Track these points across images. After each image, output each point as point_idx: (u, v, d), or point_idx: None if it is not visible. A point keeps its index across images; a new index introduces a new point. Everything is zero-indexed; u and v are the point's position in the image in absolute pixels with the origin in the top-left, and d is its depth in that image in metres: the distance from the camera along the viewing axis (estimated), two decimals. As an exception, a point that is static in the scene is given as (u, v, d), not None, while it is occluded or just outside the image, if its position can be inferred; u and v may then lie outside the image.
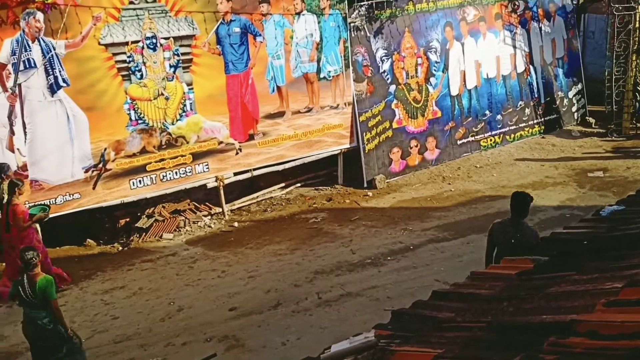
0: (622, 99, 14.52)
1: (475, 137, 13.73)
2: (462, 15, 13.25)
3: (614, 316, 2.41)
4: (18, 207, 8.24)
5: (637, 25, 14.05)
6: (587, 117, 15.58)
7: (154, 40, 9.87)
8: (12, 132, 9.00)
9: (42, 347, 6.18)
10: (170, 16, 9.93)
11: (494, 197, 11.45)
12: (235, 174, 11.02)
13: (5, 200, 8.31)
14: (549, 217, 10.42)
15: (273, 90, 11.22)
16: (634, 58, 14.20)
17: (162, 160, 10.20)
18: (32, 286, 6.07)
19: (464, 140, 13.56)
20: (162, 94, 10.10)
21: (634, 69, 14.29)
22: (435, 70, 12.99)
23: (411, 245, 9.64)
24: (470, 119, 13.62)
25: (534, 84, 14.66)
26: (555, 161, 13.25)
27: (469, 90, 13.58)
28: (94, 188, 9.63)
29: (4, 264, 8.78)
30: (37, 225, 8.75)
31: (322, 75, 11.66)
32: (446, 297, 3.85)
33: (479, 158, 13.58)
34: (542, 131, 14.80)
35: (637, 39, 14.10)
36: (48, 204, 9.05)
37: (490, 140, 13.98)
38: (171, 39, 10.01)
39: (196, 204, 11.03)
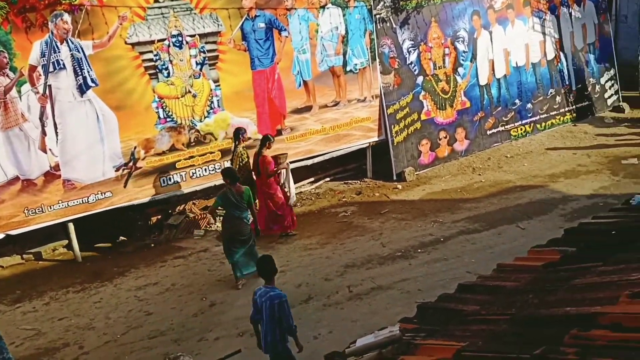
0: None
1: (505, 126, 13.54)
2: (490, 3, 13.04)
3: (637, 308, 2.35)
4: (266, 158, 9.72)
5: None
6: (620, 104, 15.23)
7: (180, 38, 9.97)
8: (44, 133, 9.20)
9: (240, 239, 8.49)
10: (195, 13, 10.02)
11: (526, 187, 11.30)
12: (264, 169, 11.08)
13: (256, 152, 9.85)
14: (582, 206, 10.25)
15: (300, 85, 11.23)
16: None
17: (192, 157, 10.32)
18: (240, 194, 8.38)
19: (494, 130, 13.39)
20: (190, 92, 10.20)
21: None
22: (463, 60, 12.83)
23: (442, 238, 9.58)
24: (499, 108, 13.43)
25: (565, 71, 14.37)
26: (588, 149, 12.98)
27: (498, 80, 13.38)
28: (125, 186, 9.79)
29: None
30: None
31: (348, 69, 11.62)
32: (472, 289, 3.83)
33: (510, 148, 13.40)
34: (573, 119, 14.51)
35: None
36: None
37: (521, 129, 13.77)
38: (197, 36, 10.10)
39: (226, 200, 11.11)
